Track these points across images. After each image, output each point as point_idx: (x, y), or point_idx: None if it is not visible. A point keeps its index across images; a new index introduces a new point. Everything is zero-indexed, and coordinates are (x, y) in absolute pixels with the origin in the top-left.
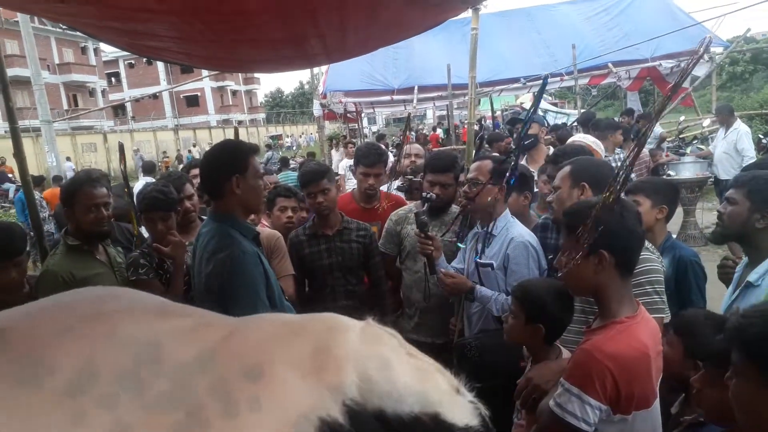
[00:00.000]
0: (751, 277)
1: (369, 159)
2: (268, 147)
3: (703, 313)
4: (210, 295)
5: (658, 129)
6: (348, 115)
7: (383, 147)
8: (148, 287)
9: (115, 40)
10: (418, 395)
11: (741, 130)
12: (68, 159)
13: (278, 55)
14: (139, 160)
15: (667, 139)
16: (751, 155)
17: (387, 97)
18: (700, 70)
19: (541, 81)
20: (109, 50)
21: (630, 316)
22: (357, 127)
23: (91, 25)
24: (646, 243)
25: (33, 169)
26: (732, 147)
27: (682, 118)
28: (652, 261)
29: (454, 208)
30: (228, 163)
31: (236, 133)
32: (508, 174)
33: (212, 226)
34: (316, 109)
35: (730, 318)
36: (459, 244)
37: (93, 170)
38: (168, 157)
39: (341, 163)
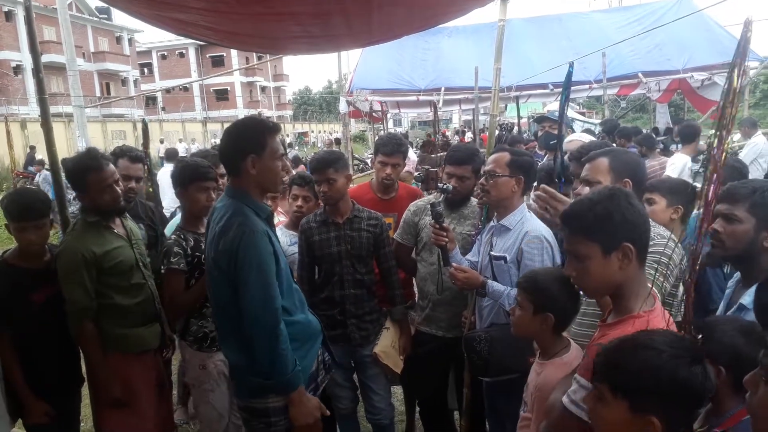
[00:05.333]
0: (745, 299)
1: (388, 147)
2: (289, 146)
3: (724, 318)
4: (219, 271)
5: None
6: (373, 113)
7: (404, 138)
8: (176, 278)
9: (142, 12)
10: None
11: (755, 143)
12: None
13: (304, 32)
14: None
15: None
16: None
17: (413, 97)
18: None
19: (571, 87)
20: (143, 41)
21: (648, 310)
22: (382, 126)
23: None
24: (669, 233)
25: (63, 154)
26: (749, 160)
27: (711, 132)
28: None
29: (474, 202)
30: (245, 141)
31: (259, 116)
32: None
33: (226, 202)
34: (342, 106)
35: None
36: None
37: (93, 149)
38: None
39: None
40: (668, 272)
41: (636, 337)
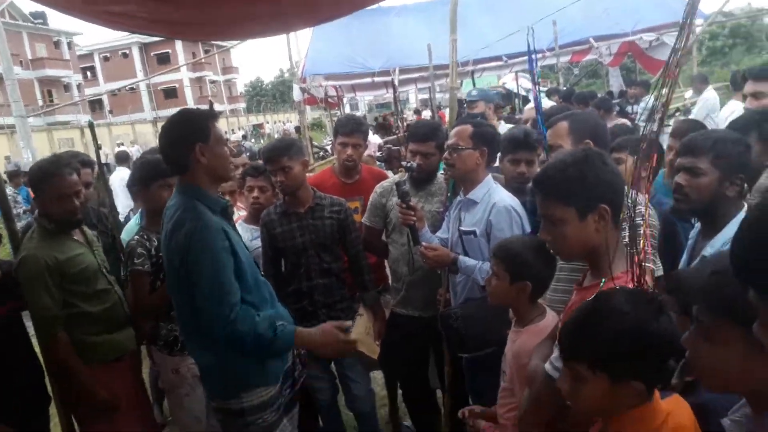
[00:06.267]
0: (707, 251)
1: (347, 127)
2: (243, 138)
3: (690, 270)
4: (173, 270)
5: (650, 101)
6: (329, 99)
7: (363, 118)
8: (141, 279)
9: (76, 8)
10: None
11: (706, 98)
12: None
13: (250, 14)
14: (13, 166)
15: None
16: (696, 116)
17: (368, 80)
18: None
19: (524, 58)
20: (83, 43)
21: (624, 271)
22: (339, 112)
23: None
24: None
25: (4, 167)
26: (701, 115)
27: (664, 90)
28: (650, 215)
29: (440, 178)
30: (188, 131)
31: (211, 105)
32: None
33: (177, 200)
34: (297, 94)
35: (695, 273)
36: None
37: (62, 156)
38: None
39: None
40: (652, 244)
41: (594, 306)
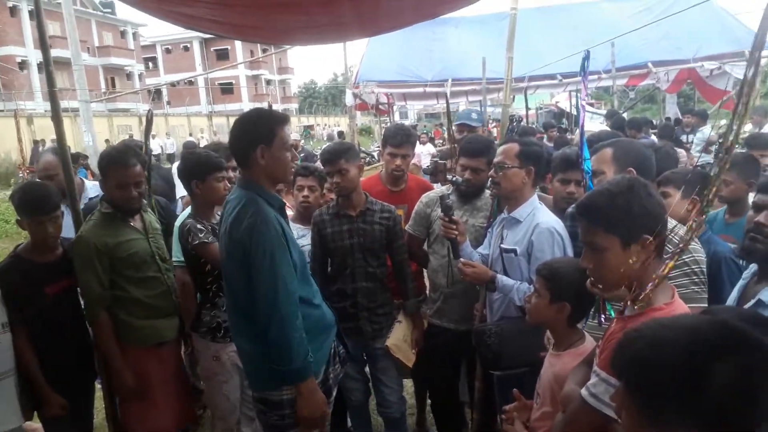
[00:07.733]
0: (764, 295)
1: (397, 138)
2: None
3: (734, 309)
4: (233, 261)
5: (708, 131)
6: (380, 106)
7: (412, 128)
8: (210, 249)
9: (148, 6)
10: None
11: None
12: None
13: (311, 21)
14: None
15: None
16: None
17: (420, 89)
18: (743, 72)
19: (578, 78)
20: (147, 35)
21: (668, 302)
22: (388, 119)
23: None
24: (685, 230)
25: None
26: None
27: (723, 122)
28: (697, 251)
29: (487, 193)
30: (254, 132)
31: (270, 107)
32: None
33: (239, 194)
34: (349, 99)
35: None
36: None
37: (131, 146)
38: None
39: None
40: (701, 280)
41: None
